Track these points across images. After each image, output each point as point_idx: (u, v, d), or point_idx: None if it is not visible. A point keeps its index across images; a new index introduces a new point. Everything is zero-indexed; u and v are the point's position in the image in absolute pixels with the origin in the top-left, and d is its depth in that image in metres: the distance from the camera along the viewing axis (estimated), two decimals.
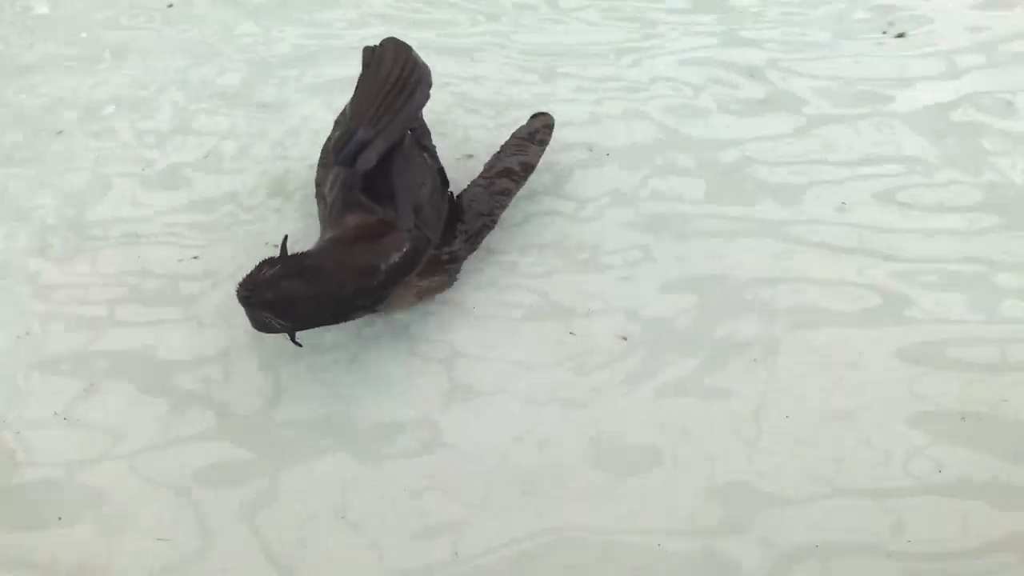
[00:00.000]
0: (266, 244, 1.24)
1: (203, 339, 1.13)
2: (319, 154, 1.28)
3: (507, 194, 1.25)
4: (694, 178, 1.33)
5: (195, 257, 1.24)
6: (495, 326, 1.14)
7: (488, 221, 1.22)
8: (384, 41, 1.29)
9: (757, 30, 1.59)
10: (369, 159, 1.16)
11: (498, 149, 1.33)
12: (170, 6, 1.73)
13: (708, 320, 1.12)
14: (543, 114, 1.37)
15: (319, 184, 1.27)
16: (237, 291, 1.00)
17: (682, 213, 1.27)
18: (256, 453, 1.01)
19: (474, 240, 1.20)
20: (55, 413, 1.05)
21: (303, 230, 1.25)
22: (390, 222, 1.13)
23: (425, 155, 1.27)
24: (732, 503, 0.96)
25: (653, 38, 1.60)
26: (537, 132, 1.34)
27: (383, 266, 1.07)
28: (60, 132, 1.45)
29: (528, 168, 1.28)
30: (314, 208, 1.26)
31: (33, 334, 1.14)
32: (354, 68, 1.29)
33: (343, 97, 1.29)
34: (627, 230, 1.25)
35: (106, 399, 1.07)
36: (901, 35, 1.56)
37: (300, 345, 1.05)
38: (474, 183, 1.28)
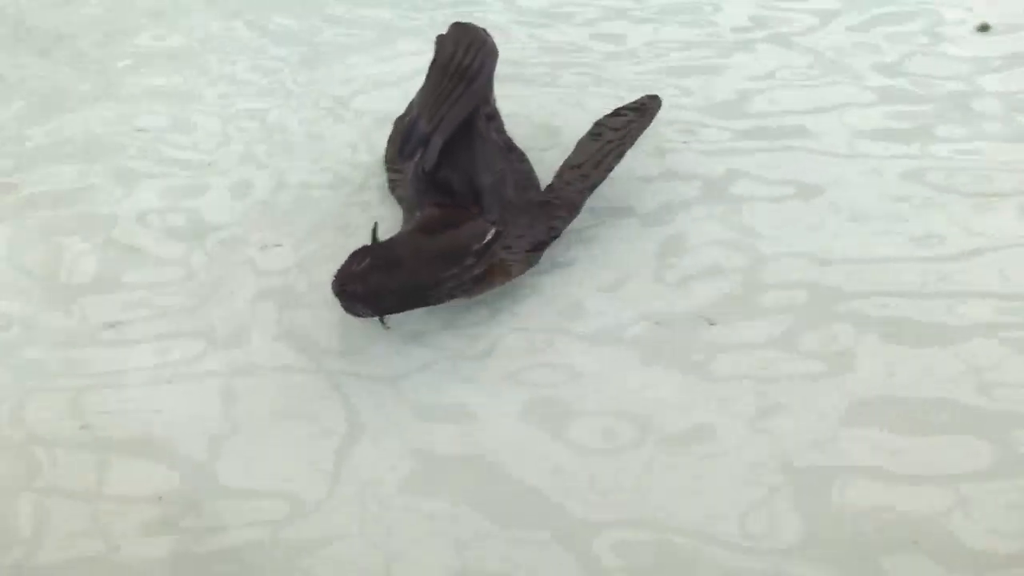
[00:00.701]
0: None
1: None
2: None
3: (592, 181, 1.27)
4: None
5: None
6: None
7: (570, 210, 1.24)
8: (451, 26, 1.30)
9: None
10: (431, 157, 1.18)
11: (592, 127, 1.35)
12: None
13: None
14: (653, 97, 1.39)
15: (391, 175, 1.34)
16: (332, 284, 1.05)
17: None
18: None
19: (558, 225, 1.22)
20: None
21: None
22: (468, 209, 1.17)
23: (495, 136, 1.29)
24: None
25: None
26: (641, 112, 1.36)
27: (467, 253, 1.10)
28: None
29: (620, 153, 1.30)
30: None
31: None
32: None
33: None
34: None
35: None
36: None
37: (389, 328, 1.11)
38: (567, 165, 1.30)
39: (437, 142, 1.18)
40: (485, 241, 1.13)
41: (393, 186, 1.34)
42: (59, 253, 1.31)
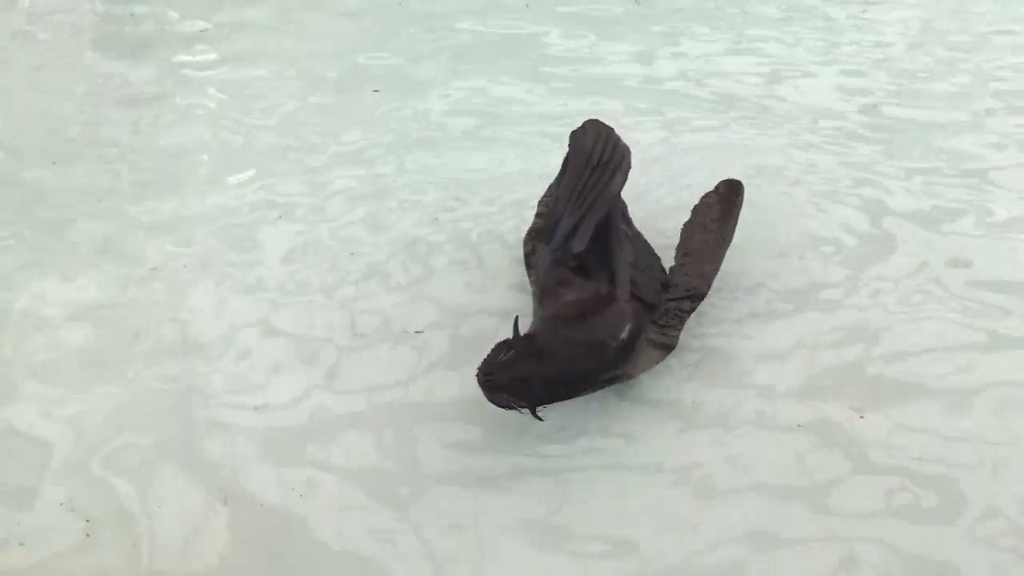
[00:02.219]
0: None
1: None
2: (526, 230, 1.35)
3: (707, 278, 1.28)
4: None
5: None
6: None
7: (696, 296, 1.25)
8: (586, 122, 1.34)
9: None
10: (583, 239, 1.20)
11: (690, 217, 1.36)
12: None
13: None
14: (734, 181, 1.40)
15: (528, 261, 1.34)
16: (476, 375, 1.05)
17: None
18: None
19: (693, 302, 1.24)
20: None
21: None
22: (607, 295, 1.17)
23: (626, 226, 1.32)
24: None
25: None
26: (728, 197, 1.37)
27: (611, 340, 1.11)
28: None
29: (725, 241, 1.31)
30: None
31: None
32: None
33: None
34: None
35: None
36: None
37: (542, 420, 1.09)
38: (678, 264, 1.30)
39: (587, 227, 1.21)
40: (623, 337, 1.12)
41: (528, 271, 1.35)
42: None
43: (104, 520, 1.04)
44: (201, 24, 2.35)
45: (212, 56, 2.19)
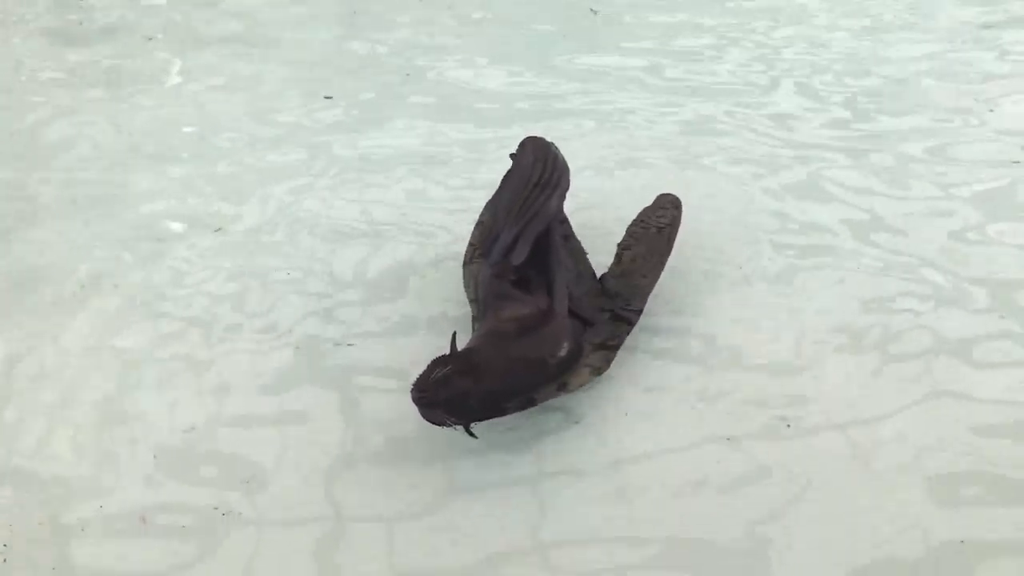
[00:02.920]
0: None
1: None
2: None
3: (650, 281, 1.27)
4: None
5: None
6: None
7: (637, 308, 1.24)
8: (525, 140, 1.35)
9: None
10: (521, 253, 1.21)
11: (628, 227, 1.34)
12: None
13: None
14: (668, 195, 1.39)
15: (465, 276, 1.33)
16: (411, 392, 1.03)
17: None
18: None
19: (623, 334, 1.22)
20: None
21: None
22: (547, 311, 1.16)
23: (567, 241, 1.30)
24: None
25: None
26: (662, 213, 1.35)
27: (551, 357, 1.10)
28: None
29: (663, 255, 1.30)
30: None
31: None
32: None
33: None
34: None
35: None
36: None
37: (476, 437, 1.08)
38: (610, 272, 1.29)
39: (527, 243, 1.22)
40: (561, 355, 1.12)
41: (466, 283, 1.33)
42: None
43: None
44: None
45: None
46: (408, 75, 2.10)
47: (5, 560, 1.01)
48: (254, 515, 1.05)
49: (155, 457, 1.12)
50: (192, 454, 1.13)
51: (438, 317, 1.32)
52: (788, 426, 1.13)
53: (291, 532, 1.04)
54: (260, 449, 1.13)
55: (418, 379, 1.05)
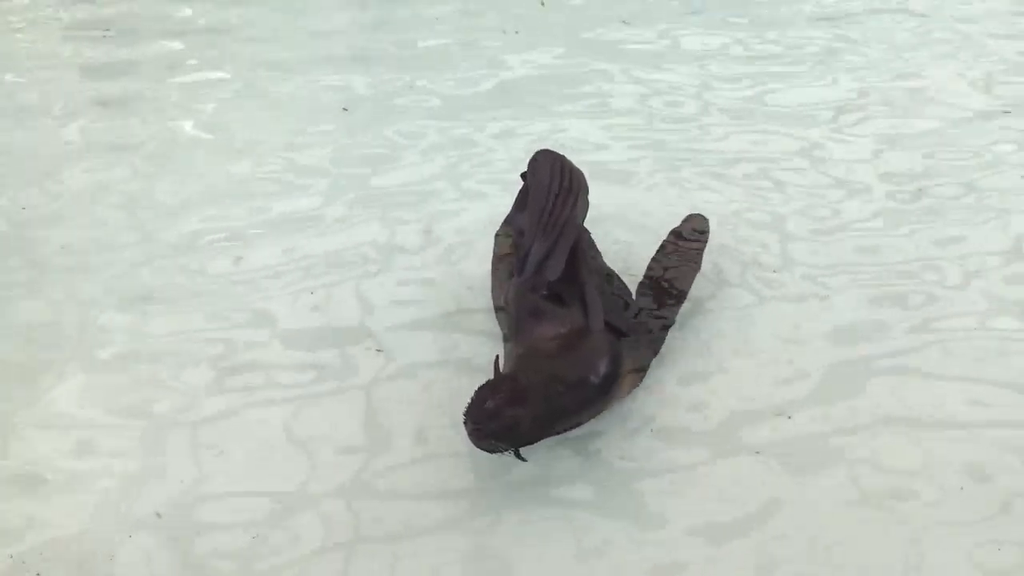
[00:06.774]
0: None
1: None
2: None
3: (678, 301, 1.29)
4: None
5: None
6: None
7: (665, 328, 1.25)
8: (537, 153, 1.34)
9: None
10: (556, 268, 1.21)
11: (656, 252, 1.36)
12: None
13: None
14: (698, 216, 1.42)
15: (495, 296, 1.33)
16: (464, 423, 1.04)
17: None
18: None
19: (658, 346, 1.24)
20: None
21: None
22: (583, 328, 1.16)
23: (592, 252, 1.32)
24: None
25: None
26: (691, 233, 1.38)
27: (594, 376, 1.10)
28: None
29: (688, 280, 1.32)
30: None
31: None
32: None
33: None
34: None
35: None
36: None
37: (525, 460, 1.08)
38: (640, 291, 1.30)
39: (562, 255, 1.22)
40: (603, 371, 1.12)
41: (496, 304, 1.33)
42: None
43: None
44: None
45: None
46: None
47: None
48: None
49: None
50: None
51: None
52: None
53: None
54: None
55: (469, 409, 1.05)
